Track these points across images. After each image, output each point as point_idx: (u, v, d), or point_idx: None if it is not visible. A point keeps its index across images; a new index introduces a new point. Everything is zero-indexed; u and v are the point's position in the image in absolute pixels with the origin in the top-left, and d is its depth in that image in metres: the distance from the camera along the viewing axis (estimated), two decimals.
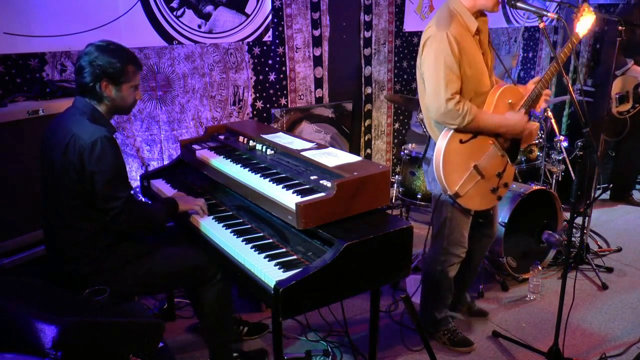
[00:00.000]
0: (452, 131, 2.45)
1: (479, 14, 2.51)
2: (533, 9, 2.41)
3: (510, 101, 2.55)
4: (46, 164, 2.18)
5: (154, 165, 3.56)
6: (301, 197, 2.10)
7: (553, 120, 3.75)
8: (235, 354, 2.57)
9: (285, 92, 4.01)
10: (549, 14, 2.33)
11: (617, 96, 4.19)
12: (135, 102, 2.29)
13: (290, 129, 4.05)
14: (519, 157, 3.75)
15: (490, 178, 2.58)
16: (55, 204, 2.17)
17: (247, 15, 3.73)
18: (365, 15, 4.26)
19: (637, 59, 4.26)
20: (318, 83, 4.15)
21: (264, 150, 2.65)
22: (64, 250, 2.19)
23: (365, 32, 4.29)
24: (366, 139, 4.57)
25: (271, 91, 3.96)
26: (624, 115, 4.32)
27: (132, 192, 2.35)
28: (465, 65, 2.40)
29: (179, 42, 3.51)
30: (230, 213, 2.51)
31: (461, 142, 2.48)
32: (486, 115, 2.47)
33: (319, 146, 2.59)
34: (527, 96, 2.57)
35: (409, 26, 4.50)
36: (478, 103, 2.50)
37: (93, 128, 2.10)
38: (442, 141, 2.46)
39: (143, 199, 3.07)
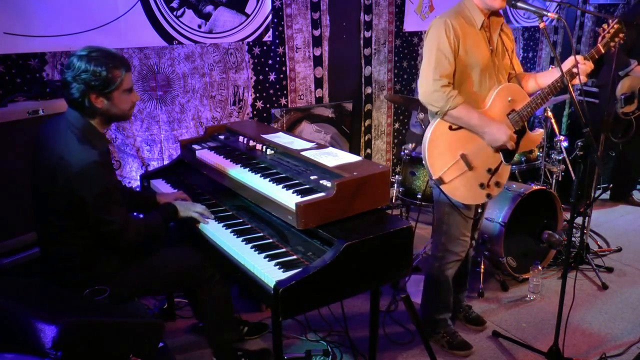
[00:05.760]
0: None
1: (492, 13, 2.51)
2: (533, 9, 2.41)
3: (510, 99, 2.53)
4: (35, 180, 2.13)
5: (154, 165, 3.56)
6: (301, 197, 2.10)
7: (553, 120, 3.75)
8: (239, 353, 2.57)
9: (285, 92, 4.01)
10: (549, 14, 2.33)
11: (622, 97, 4.17)
12: (133, 106, 2.18)
13: (290, 129, 4.05)
14: (519, 157, 3.76)
15: (480, 172, 2.54)
16: (45, 220, 2.14)
17: (247, 15, 3.73)
18: (365, 15, 4.26)
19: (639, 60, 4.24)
20: (318, 83, 4.15)
21: (264, 150, 2.65)
22: (57, 262, 2.17)
23: (365, 32, 4.29)
24: (366, 139, 4.57)
25: (271, 91, 3.96)
26: (629, 117, 4.30)
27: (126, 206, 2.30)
28: (462, 54, 2.41)
29: (179, 42, 3.51)
30: (230, 213, 2.51)
31: (451, 128, 2.47)
32: (472, 111, 2.43)
33: (319, 146, 2.59)
34: (528, 100, 2.54)
35: (409, 26, 4.50)
36: (476, 99, 2.50)
37: (81, 151, 2.00)
38: (431, 125, 2.48)
39: None
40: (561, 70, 2.33)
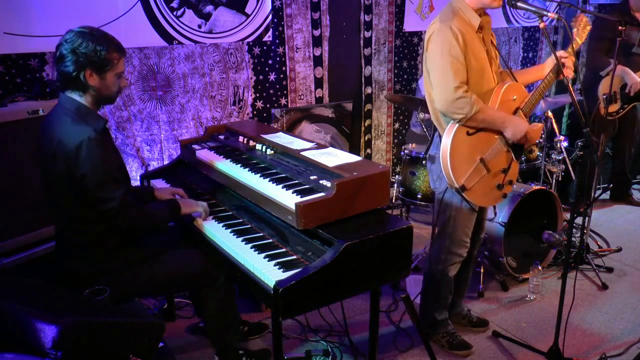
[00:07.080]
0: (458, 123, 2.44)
1: (482, 12, 2.51)
2: (533, 9, 2.41)
3: (514, 97, 2.55)
4: (42, 171, 2.15)
5: (154, 165, 3.56)
6: (301, 197, 2.10)
7: (553, 120, 3.76)
8: (241, 352, 2.58)
9: (285, 92, 4.01)
10: (549, 14, 2.34)
11: (604, 97, 4.15)
12: (121, 91, 2.20)
13: (290, 129, 4.05)
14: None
15: (496, 174, 2.57)
16: (56, 208, 2.17)
17: (247, 15, 3.73)
18: (365, 15, 4.26)
19: (620, 60, 4.23)
20: (318, 83, 4.15)
21: (264, 150, 2.65)
22: (69, 250, 2.19)
23: (365, 32, 4.29)
24: (366, 139, 4.57)
25: (271, 91, 3.96)
26: (613, 117, 4.28)
27: (129, 186, 2.32)
28: (470, 58, 2.41)
29: (179, 42, 3.51)
30: (230, 213, 2.51)
31: (468, 134, 2.46)
32: (492, 110, 2.46)
33: (319, 146, 2.59)
34: (528, 97, 2.58)
35: (409, 26, 4.50)
36: (483, 100, 2.49)
37: (76, 130, 2.01)
38: (449, 132, 2.44)
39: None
40: (556, 58, 2.41)
